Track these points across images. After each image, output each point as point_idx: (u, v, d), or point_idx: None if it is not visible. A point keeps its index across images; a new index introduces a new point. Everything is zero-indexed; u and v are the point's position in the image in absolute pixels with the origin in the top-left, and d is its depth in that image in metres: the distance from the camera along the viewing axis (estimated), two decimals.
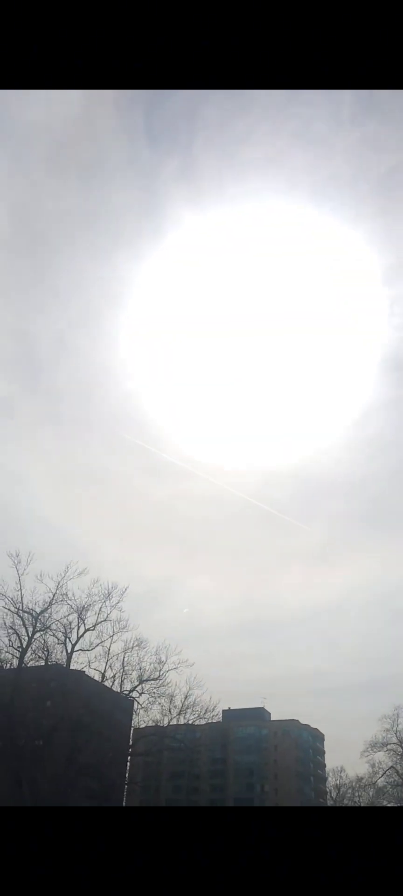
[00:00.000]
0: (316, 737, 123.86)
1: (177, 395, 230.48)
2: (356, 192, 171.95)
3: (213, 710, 51.18)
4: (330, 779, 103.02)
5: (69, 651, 48.54)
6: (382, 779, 75.81)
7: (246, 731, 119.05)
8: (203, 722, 53.22)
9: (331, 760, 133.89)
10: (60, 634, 48.68)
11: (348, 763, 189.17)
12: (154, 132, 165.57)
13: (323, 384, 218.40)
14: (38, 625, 48.11)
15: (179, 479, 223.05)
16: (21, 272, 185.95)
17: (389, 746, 71.14)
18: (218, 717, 64.19)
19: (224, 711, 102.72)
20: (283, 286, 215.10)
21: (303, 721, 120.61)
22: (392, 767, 73.26)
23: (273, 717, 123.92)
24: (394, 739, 70.60)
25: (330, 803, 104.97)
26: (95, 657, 49.67)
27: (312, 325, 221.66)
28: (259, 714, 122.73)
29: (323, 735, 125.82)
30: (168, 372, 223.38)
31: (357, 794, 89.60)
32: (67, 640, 48.72)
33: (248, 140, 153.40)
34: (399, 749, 71.05)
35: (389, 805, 79.38)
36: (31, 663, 48.51)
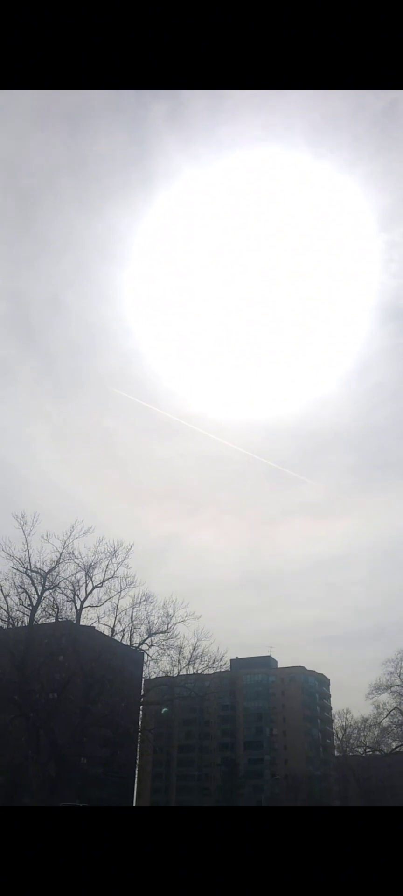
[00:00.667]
0: (322, 682, 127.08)
1: (175, 352, 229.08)
2: (353, 133, 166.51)
3: (221, 659, 52.38)
4: (336, 721, 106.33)
5: (78, 608, 49.50)
6: (386, 719, 78.39)
7: (255, 678, 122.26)
8: (211, 671, 54.52)
9: (337, 703, 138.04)
10: (69, 592, 49.56)
11: (353, 706, 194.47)
12: None
13: (323, 336, 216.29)
14: (46, 583, 48.87)
15: (180, 437, 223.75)
16: (8, 229, 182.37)
17: (393, 688, 73.23)
18: (227, 667, 65.83)
19: (232, 661, 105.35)
20: (280, 235, 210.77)
21: (309, 668, 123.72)
22: (396, 708, 75.59)
23: (279, 665, 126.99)
24: (398, 681, 72.58)
25: (336, 744, 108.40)
26: (104, 613, 50.59)
27: (310, 274, 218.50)
28: (266, 662, 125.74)
29: (329, 680, 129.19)
30: (166, 328, 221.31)
31: (362, 734, 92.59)
32: (76, 597, 49.62)
33: None
34: None
35: (394, 746, 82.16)
36: (41, 621, 49.51)
